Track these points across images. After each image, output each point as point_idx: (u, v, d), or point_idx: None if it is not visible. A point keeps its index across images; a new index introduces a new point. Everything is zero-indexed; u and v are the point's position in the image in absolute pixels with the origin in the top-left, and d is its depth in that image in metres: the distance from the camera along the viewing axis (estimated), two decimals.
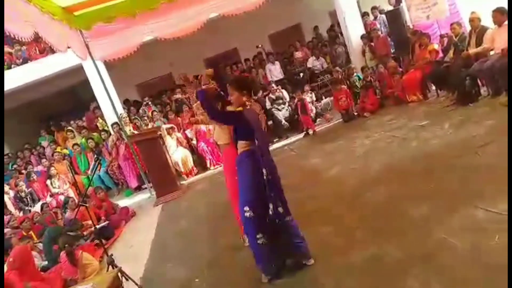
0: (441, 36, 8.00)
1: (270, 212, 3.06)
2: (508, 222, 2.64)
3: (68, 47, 5.98)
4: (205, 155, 8.40)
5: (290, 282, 3.12)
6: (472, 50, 6.39)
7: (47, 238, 5.51)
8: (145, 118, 9.24)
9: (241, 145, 3.20)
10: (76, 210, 6.11)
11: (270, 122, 8.82)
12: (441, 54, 7.45)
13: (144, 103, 10.35)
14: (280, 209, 3.11)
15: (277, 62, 10.91)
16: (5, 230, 6.69)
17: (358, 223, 3.70)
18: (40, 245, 5.80)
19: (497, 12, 5.83)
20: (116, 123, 8.59)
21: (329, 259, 3.24)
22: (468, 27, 6.89)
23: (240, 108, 3.19)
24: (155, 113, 9.51)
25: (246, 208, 3.10)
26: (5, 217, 7.42)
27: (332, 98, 8.97)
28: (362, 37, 9.66)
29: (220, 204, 5.31)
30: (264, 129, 3.68)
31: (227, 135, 3.77)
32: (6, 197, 8.20)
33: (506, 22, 5.79)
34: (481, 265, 2.51)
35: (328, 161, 5.99)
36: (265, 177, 3.06)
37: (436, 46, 7.55)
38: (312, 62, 10.74)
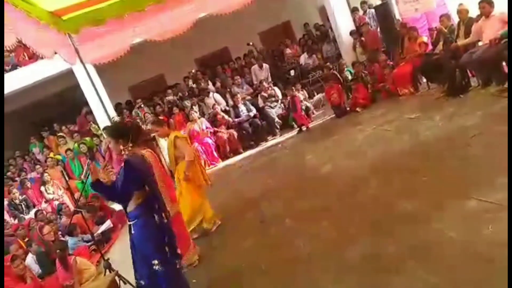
0: (430, 29, 8.04)
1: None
2: (508, 219, 2.65)
3: (55, 53, 5.93)
4: (199, 155, 8.36)
5: (286, 279, 3.14)
6: (461, 42, 6.42)
7: (40, 257, 5.46)
8: (138, 120, 9.19)
9: (137, 196, 2.95)
10: (71, 217, 6.10)
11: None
12: (430, 47, 7.48)
13: (137, 105, 10.30)
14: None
15: (265, 65, 10.29)
16: None
17: (352, 218, 3.71)
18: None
19: (484, 3, 5.87)
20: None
21: (324, 255, 3.25)
22: (456, 19, 6.93)
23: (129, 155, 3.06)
24: (147, 115, 9.47)
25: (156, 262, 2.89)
26: None
27: (324, 94, 9.00)
28: (351, 33, 9.68)
29: (215, 205, 5.29)
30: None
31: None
32: None
33: (494, 13, 5.83)
34: (475, 255, 2.53)
35: (321, 157, 6.01)
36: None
37: (425, 38, 7.57)
38: (304, 59, 10.73)
